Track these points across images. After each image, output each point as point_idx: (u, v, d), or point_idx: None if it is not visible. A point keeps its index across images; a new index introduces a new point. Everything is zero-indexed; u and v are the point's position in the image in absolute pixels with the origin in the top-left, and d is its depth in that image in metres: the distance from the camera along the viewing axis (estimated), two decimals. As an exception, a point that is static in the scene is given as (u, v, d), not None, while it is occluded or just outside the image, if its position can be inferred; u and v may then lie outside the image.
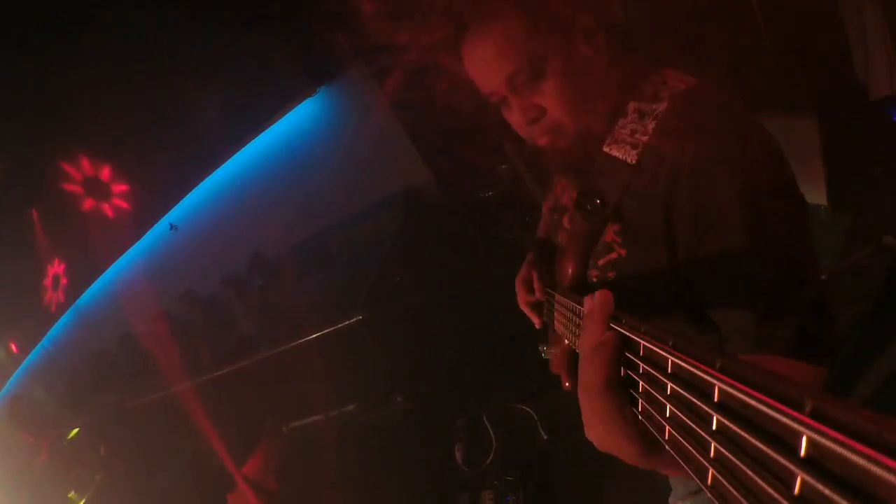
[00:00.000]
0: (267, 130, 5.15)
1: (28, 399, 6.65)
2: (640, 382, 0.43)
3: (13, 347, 6.14)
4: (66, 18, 2.64)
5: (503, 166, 3.92)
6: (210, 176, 5.68)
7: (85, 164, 4.77)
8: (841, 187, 2.39)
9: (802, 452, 0.22)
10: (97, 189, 4.99)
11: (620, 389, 0.50)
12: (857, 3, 2.69)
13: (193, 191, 5.86)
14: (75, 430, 5.11)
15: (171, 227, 6.01)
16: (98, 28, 2.74)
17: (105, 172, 4.91)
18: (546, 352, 1.18)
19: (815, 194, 2.45)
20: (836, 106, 2.51)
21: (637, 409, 0.47)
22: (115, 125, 3.67)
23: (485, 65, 0.84)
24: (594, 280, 0.93)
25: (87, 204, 4.93)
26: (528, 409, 2.97)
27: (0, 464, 5.69)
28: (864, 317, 2.29)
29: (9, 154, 3.53)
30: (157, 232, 6.18)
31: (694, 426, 0.31)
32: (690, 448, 0.32)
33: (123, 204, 5.24)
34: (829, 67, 2.90)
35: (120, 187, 5.13)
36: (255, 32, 4.02)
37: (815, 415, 0.22)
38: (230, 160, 5.51)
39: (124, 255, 6.62)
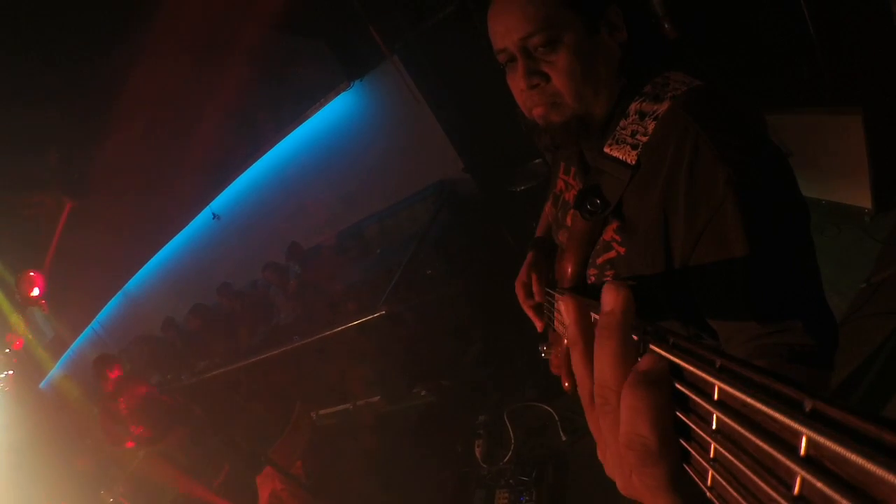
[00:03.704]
0: (302, 125, 5.25)
1: (76, 380, 6.95)
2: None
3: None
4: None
5: (536, 161, 3.90)
6: (249, 168, 5.88)
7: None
8: (887, 190, 2.29)
9: (802, 452, 0.22)
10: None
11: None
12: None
13: (234, 182, 6.08)
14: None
15: (214, 216, 6.30)
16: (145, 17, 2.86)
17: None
18: (546, 352, 1.17)
19: (859, 196, 2.36)
20: (884, 104, 2.39)
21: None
22: (154, 113, 3.79)
23: (507, 17, 0.84)
24: (592, 279, 0.93)
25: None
26: (549, 408, 2.96)
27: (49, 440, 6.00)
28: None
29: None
30: (201, 221, 6.50)
31: (693, 426, 0.31)
32: (690, 448, 0.32)
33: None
34: (878, 64, 2.77)
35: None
36: (289, 28, 4.08)
37: (815, 415, 0.22)
38: (267, 154, 5.67)
39: (169, 242, 6.99)
